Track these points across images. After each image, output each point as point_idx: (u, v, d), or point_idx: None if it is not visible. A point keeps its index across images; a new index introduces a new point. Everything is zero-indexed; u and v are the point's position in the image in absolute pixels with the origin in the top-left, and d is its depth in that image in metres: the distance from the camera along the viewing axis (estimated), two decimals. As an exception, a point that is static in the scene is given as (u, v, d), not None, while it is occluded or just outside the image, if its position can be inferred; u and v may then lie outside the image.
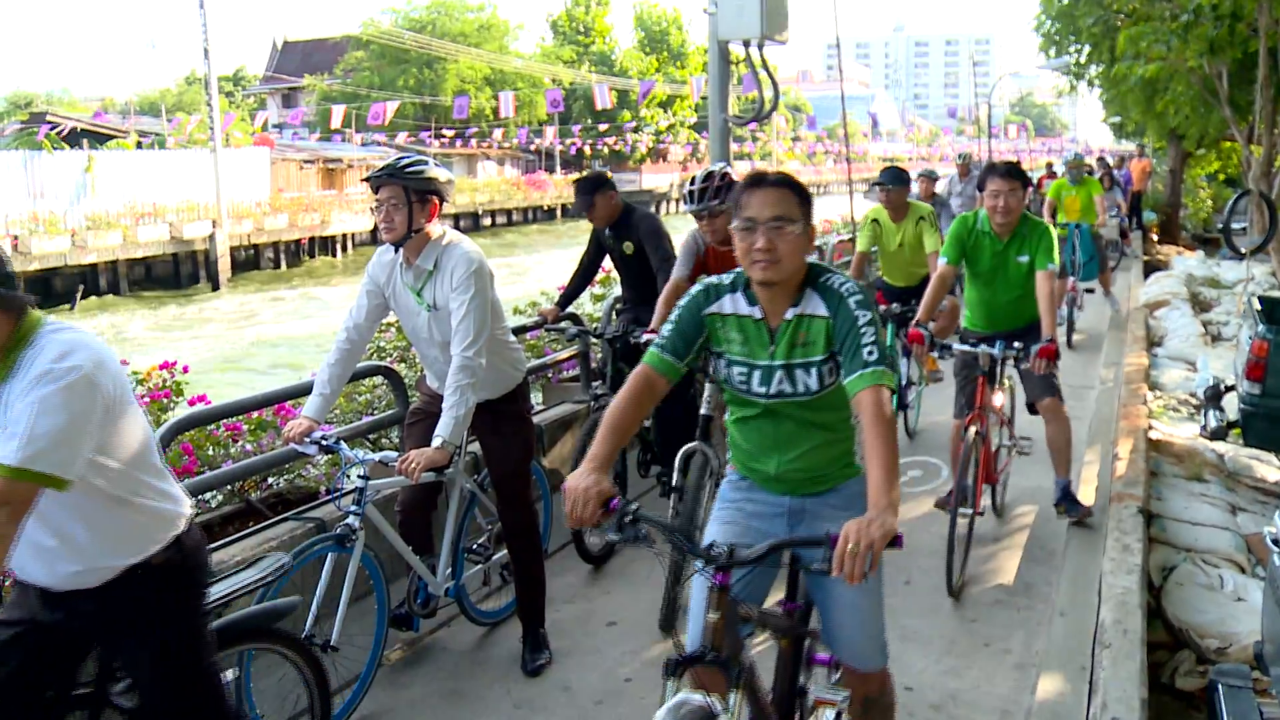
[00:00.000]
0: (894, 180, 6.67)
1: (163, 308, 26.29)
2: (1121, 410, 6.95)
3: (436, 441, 3.42)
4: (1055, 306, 4.71)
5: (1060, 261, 8.55)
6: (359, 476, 3.47)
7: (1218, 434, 6.85)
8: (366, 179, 3.57)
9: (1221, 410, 7.02)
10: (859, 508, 2.28)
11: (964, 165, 13.47)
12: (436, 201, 3.58)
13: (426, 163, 3.58)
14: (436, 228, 3.63)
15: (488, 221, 46.07)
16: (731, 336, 2.52)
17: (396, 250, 3.60)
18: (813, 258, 2.58)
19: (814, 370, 2.46)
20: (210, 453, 4.50)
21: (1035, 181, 16.11)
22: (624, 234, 5.43)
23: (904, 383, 6.75)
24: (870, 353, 2.33)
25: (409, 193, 3.50)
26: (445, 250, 3.61)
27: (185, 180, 30.59)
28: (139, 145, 34.68)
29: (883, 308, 6.23)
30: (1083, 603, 4.24)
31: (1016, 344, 4.73)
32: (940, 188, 13.31)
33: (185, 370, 4.76)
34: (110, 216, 27.49)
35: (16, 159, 27.47)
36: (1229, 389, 7.17)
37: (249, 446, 4.70)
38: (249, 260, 31.83)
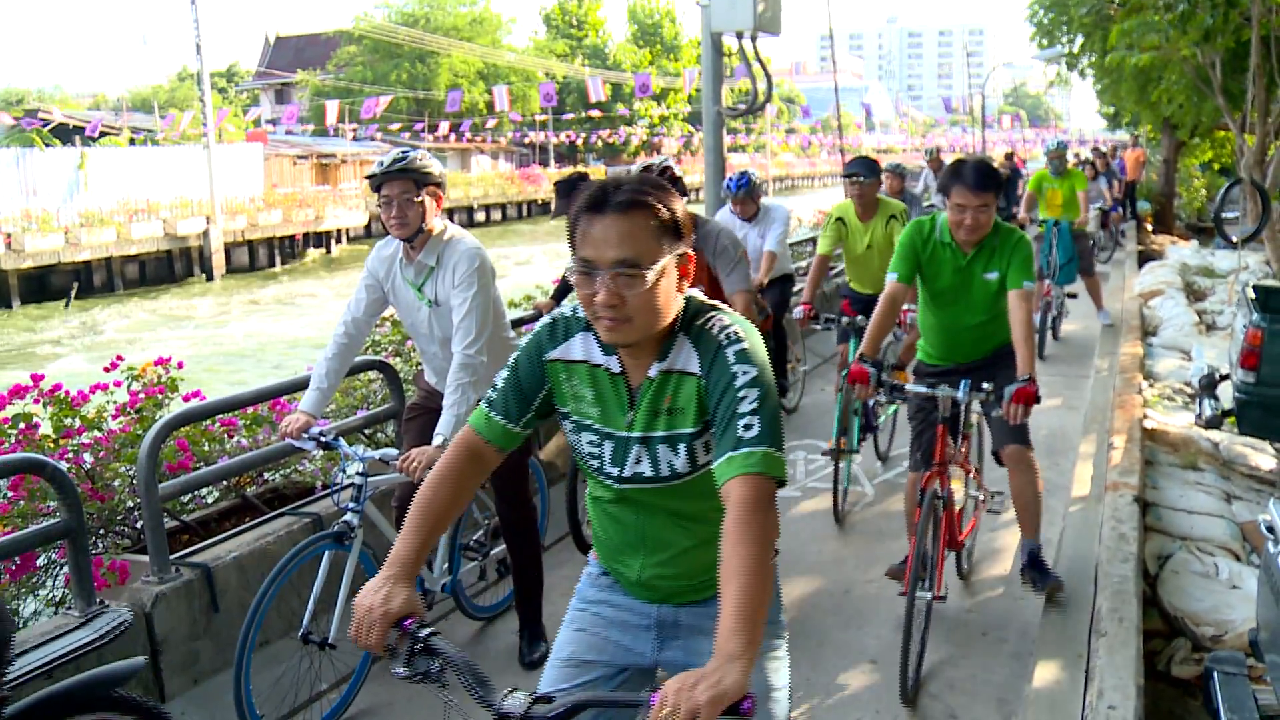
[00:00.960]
0: (866, 171, 5.83)
1: (157, 304, 26.23)
2: (1117, 399, 6.96)
3: (438, 440, 3.40)
4: (1033, 333, 3.80)
5: (1036, 263, 8.06)
6: (357, 473, 3.45)
7: (1213, 422, 6.86)
8: (370, 175, 3.50)
9: (1216, 399, 7.03)
10: None
11: (935, 159, 12.85)
12: (440, 195, 3.55)
13: (428, 156, 3.55)
14: (438, 222, 3.60)
15: (481, 216, 45.98)
16: (580, 392, 1.93)
17: (409, 243, 3.55)
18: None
19: (681, 447, 1.86)
20: (206, 448, 4.49)
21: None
22: None
23: (871, 403, 5.80)
24: (748, 426, 1.72)
25: (420, 187, 3.46)
26: (447, 245, 3.58)
27: (179, 176, 30.51)
28: (132, 142, 34.56)
29: (846, 318, 5.61)
30: (1079, 591, 4.25)
31: (985, 385, 3.69)
32: (915, 184, 13.17)
33: (180, 366, 4.74)
34: (104, 213, 27.40)
35: (9, 156, 27.36)
36: (1224, 378, 7.18)
37: (244, 442, 4.69)
38: (243, 256, 31.76)
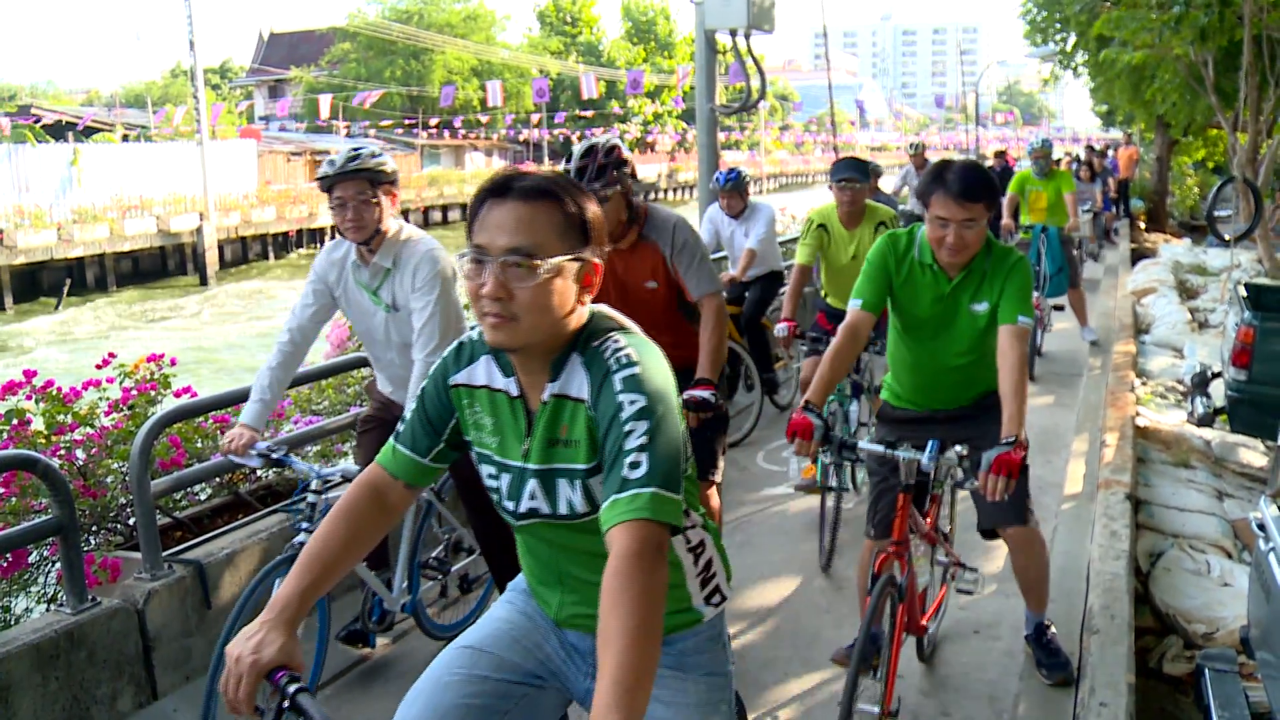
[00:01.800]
0: (859, 174, 5.21)
1: (150, 300, 26.15)
2: (1109, 397, 6.98)
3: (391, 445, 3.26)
4: (1025, 380, 3.07)
5: (1031, 277, 7.84)
6: (312, 491, 3.22)
7: (1205, 420, 6.90)
8: (322, 177, 3.28)
9: (1208, 397, 7.06)
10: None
11: (919, 155, 11.90)
12: (395, 193, 3.37)
13: (381, 153, 3.37)
14: (394, 223, 3.40)
15: (476, 213, 45.83)
16: (481, 420, 1.78)
17: (365, 245, 3.36)
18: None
19: (578, 484, 1.69)
20: (199, 445, 4.48)
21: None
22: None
23: (853, 428, 5.22)
24: (634, 465, 1.51)
25: (375, 186, 3.28)
26: (404, 246, 3.39)
27: (172, 173, 30.42)
28: (125, 138, 34.46)
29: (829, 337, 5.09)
30: (1071, 589, 4.26)
31: (959, 446, 2.87)
32: (889, 184, 12.20)
33: (173, 363, 4.73)
34: (96, 210, 27.31)
35: (1, 152, 27.26)
36: (1216, 375, 7.21)
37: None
38: (236, 253, 31.69)
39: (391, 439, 1.84)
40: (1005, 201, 8.92)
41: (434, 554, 4.02)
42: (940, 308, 3.23)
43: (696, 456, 3.66)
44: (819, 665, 3.80)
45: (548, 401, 1.68)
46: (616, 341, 1.66)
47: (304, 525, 3.18)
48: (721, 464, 3.74)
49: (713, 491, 3.69)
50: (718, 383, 3.47)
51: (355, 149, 3.30)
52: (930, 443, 2.87)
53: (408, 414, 1.83)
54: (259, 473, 4.83)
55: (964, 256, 3.13)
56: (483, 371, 1.77)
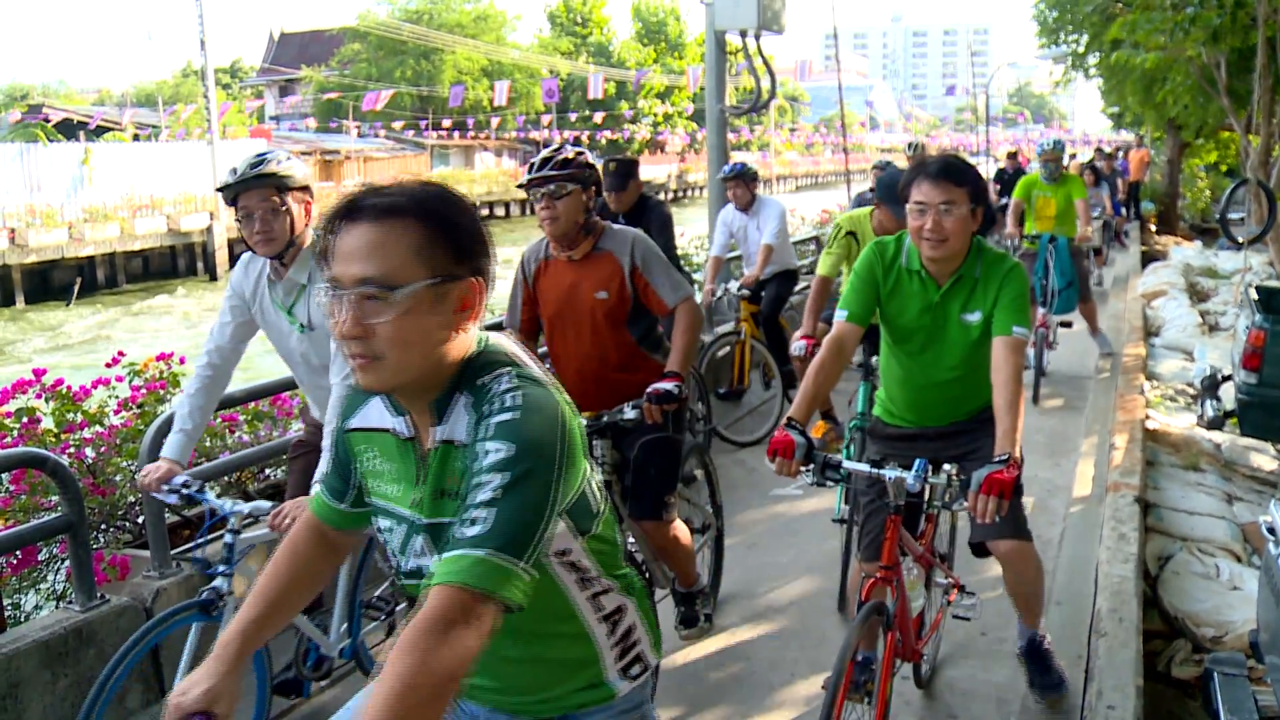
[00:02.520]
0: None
1: (160, 299, 26.25)
2: (1118, 400, 6.96)
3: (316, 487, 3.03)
4: (1020, 395, 2.84)
5: (1028, 284, 7.54)
6: (229, 530, 2.93)
7: (1215, 423, 6.86)
8: (223, 187, 2.98)
9: (1218, 400, 7.03)
10: None
11: (917, 157, 11.92)
12: (310, 201, 3.08)
13: (290, 157, 3.06)
14: (310, 234, 3.10)
15: (485, 212, 46.00)
16: (379, 468, 1.60)
17: (278, 259, 3.06)
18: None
19: None
20: (208, 444, 4.50)
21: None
22: (635, 222, 5.08)
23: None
24: (471, 522, 1.32)
25: (283, 193, 2.98)
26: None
27: (182, 172, 30.53)
28: (135, 137, 34.60)
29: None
30: (1079, 591, 4.25)
31: (948, 466, 2.70)
32: None
33: (182, 361, 4.74)
34: (107, 209, 27.44)
35: (13, 151, 27.41)
36: (1226, 379, 7.18)
37: (246, 437, 4.70)
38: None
39: (315, 480, 1.75)
40: (1010, 208, 8.25)
41: (378, 592, 3.73)
42: (930, 318, 3.04)
43: (640, 494, 3.52)
44: (826, 667, 3.79)
45: (435, 447, 1.49)
46: (504, 380, 1.44)
47: (220, 569, 2.86)
48: (674, 500, 3.58)
49: (676, 526, 3.59)
50: (685, 380, 3.45)
51: (261, 154, 3.00)
52: (918, 462, 2.67)
53: (325, 454, 1.74)
54: (267, 470, 4.85)
55: (945, 249, 2.92)
56: (376, 412, 1.58)
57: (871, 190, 8.69)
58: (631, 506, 3.54)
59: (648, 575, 3.74)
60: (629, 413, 3.34)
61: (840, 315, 3.06)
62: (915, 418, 3.21)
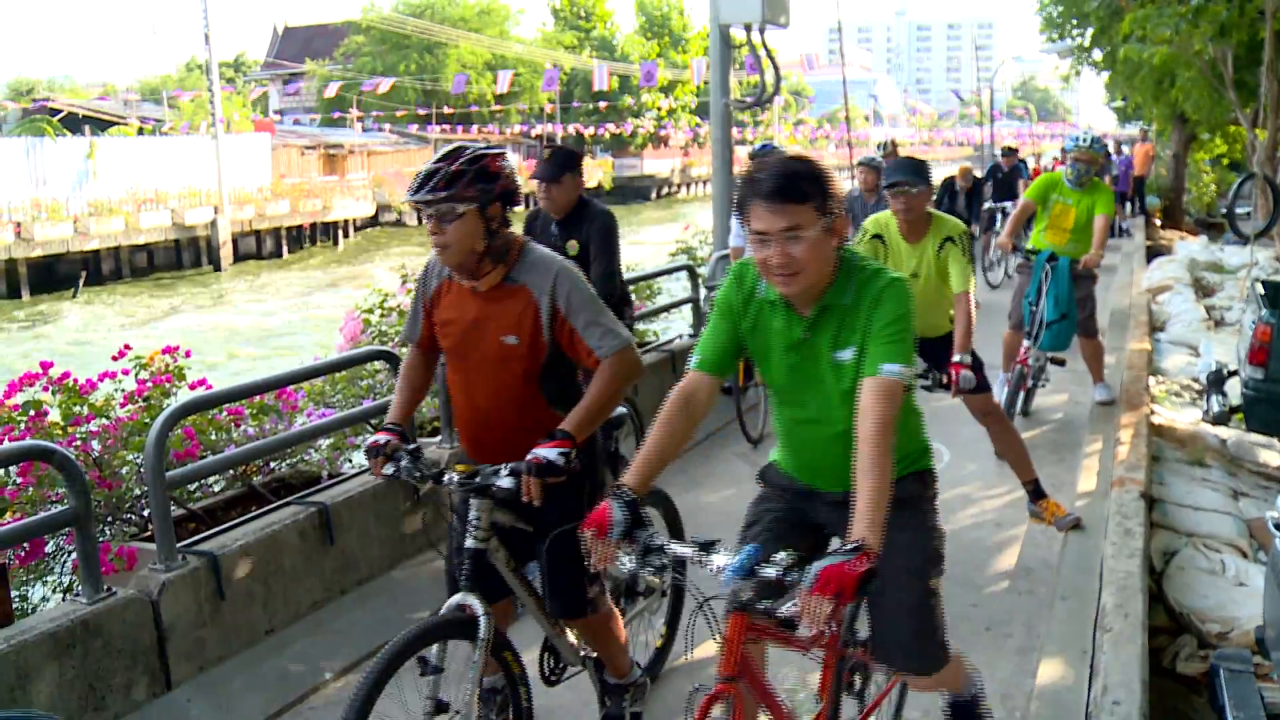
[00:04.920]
0: (913, 176, 4.50)
1: (164, 293, 26.28)
2: (1124, 395, 6.94)
3: None
4: (888, 459, 2.20)
5: (1017, 314, 6.61)
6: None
7: (1220, 419, 6.86)
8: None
9: (1224, 395, 7.02)
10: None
11: (891, 154, 10.50)
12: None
13: None
14: None
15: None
16: None
17: None
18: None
19: None
20: (213, 437, 4.50)
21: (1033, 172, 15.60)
22: (573, 229, 4.54)
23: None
24: None
25: None
26: None
27: (187, 166, 30.55)
28: (140, 131, 34.64)
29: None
30: (1084, 587, 4.24)
31: (781, 555, 2.09)
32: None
33: (188, 355, 4.76)
34: (112, 203, 27.49)
35: (19, 145, 27.46)
36: (1231, 374, 7.17)
37: (251, 431, 4.70)
38: (250, 246, 31.82)
39: None
40: (1015, 210, 6.90)
41: None
42: (798, 358, 2.42)
43: (558, 593, 2.89)
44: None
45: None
46: None
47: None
48: (600, 588, 2.99)
49: (606, 616, 3.03)
50: (581, 447, 2.69)
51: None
52: (747, 549, 2.09)
53: None
54: (272, 464, 4.86)
55: (801, 283, 2.29)
56: None
57: (863, 190, 8.65)
58: (550, 605, 2.96)
59: (547, 654, 3.18)
60: (504, 481, 2.61)
61: (691, 363, 2.49)
62: (806, 476, 2.63)
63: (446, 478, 2.73)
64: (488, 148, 2.79)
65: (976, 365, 4.70)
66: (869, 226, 4.83)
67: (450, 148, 2.77)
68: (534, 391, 2.83)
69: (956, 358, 4.40)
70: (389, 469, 2.77)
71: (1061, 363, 6.69)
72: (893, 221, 4.69)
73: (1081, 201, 6.48)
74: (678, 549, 2.20)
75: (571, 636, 3.11)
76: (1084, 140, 6.54)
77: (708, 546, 2.16)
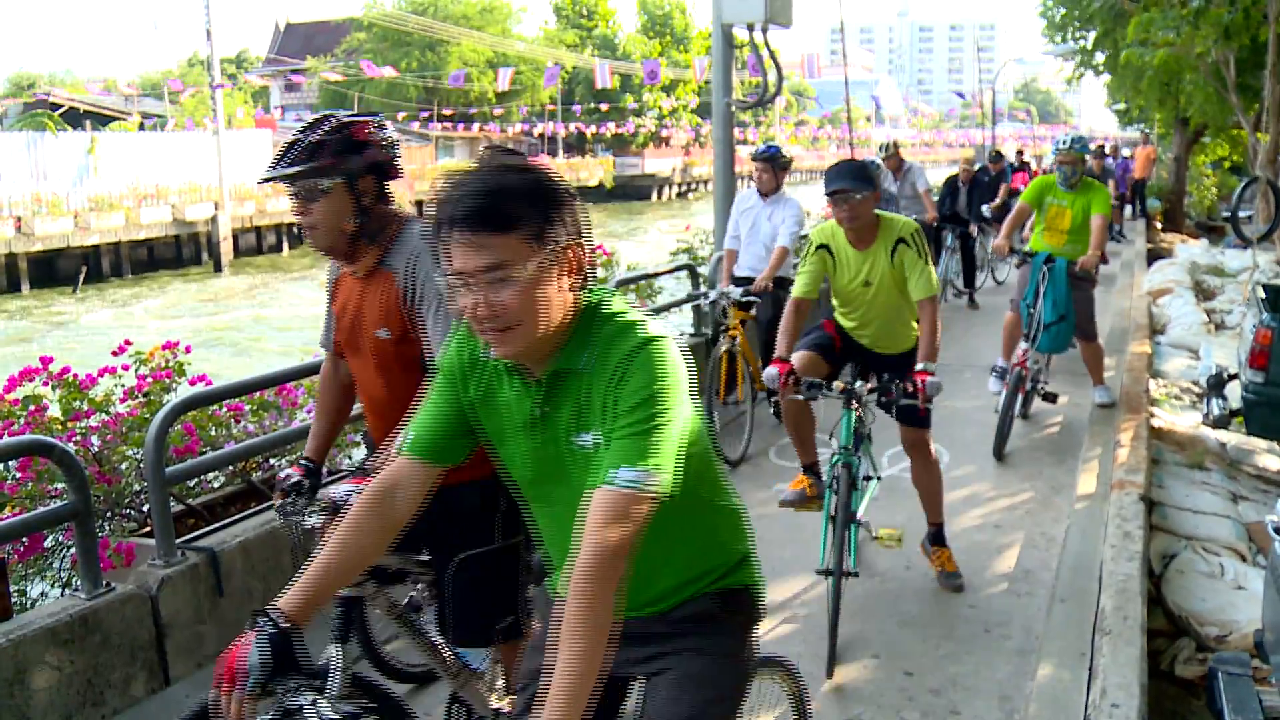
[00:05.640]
0: (855, 182, 4.04)
1: (165, 288, 26.28)
2: (1124, 398, 6.94)
3: None
4: (608, 607, 1.61)
5: (1015, 311, 6.70)
6: None
7: (1220, 422, 6.85)
8: None
9: (1224, 398, 7.02)
10: None
11: (893, 157, 9.99)
12: None
13: None
14: None
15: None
16: None
17: None
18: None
19: None
20: (213, 433, 4.50)
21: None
22: None
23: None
24: None
25: None
26: None
27: (188, 162, 30.55)
28: (141, 127, 34.64)
29: (852, 382, 4.05)
30: (1083, 589, 4.24)
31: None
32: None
33: (188, 350, 4.75)
34: (113, 198, 27.48)
35: (20, 140, 27.46)
36: (1232, 377, 7.16)
37: (251, 427, 4.70)
38: (251, 242, 31.82)
39: None
40: (1011, 214, 6.91)
41: None
42: (538, 440, 1.79)
43: (462, 622, 2.56)
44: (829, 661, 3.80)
45: None
46: None
47: None
48: (510, 623, 2.64)
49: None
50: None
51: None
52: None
53: None
54: (271, 461, 4.85)
55: (516, 344, 1.68)
56: None
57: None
58: (454, 634, 2.60)
59: (456, 705, 2.77)
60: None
61: (401, 440, 1.88)
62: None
63: (311, 522, 2.44)
64: (358, 114, 2.49)
65: (926, 419, 4.36)
66: (813, 238, 4.32)
67: (314, 116, 2.50)
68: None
69: (921, 365, 3.93)
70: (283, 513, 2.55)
71: (1051, 397, 6.75)
72: (839, 230, 4.21)
73: (1076, 202, 6.57)
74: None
75: (490, 682, 2.73)
76: (1064, 143, 6.64)
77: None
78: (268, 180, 2.47)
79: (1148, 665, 3.56)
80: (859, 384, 4.02)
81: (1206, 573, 4.63)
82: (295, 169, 2.40)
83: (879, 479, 4.59)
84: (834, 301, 4.51)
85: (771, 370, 3.95)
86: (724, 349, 6.20)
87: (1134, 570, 4.13)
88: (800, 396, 4.00)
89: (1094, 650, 3.65)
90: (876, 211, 4.18)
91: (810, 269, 4.28)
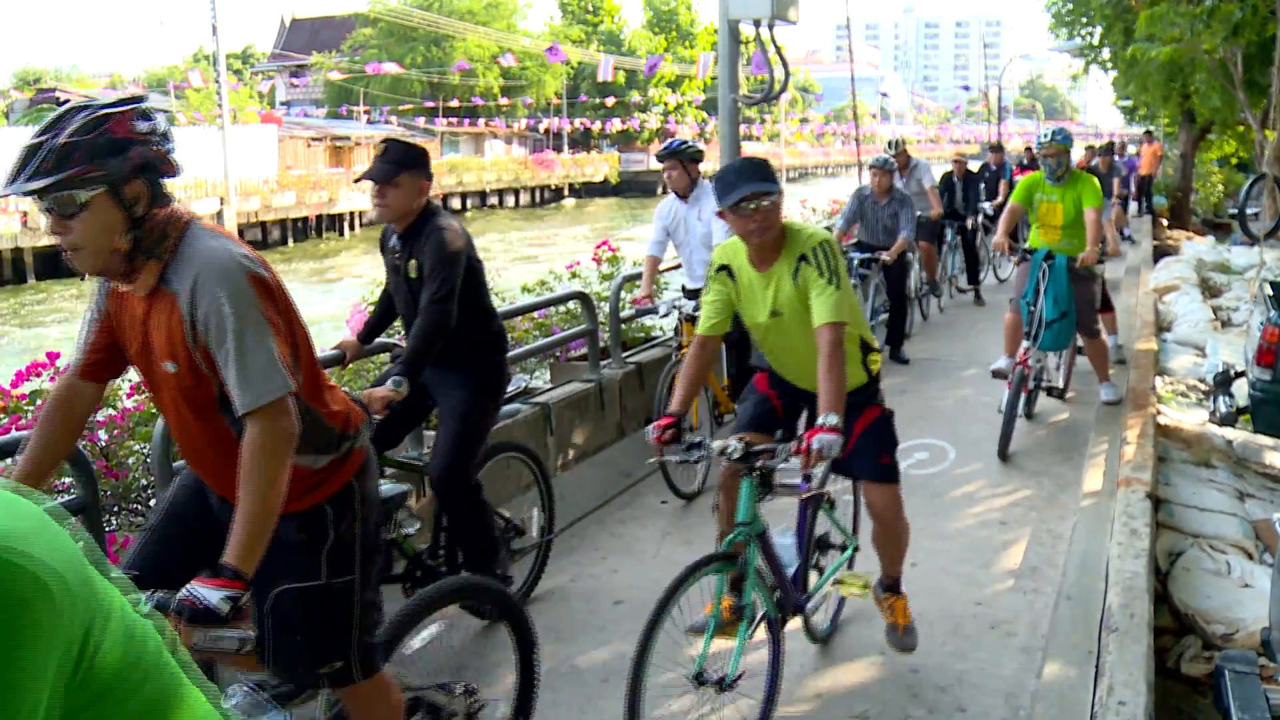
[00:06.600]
0: (765, 182, 3.15)
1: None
2: (1130, 395, 6.92)
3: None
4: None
5: (1015, 311, 6.52)
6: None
7: (1227, 420, 6.84)
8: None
9: (1231, 396, 7.00)
10: None
11: (901, 154, 9.82)
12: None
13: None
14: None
15: (495, 201, 45.96)
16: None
17: None
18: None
19: None
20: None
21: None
22: (414, 246, 3.67)
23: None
24: None
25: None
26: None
27: (193, 157, 30.43)
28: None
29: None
30: (1089, 587, 4.24)
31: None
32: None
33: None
34: (118, 193, 27.52)
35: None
36: (1239, 375, 7.15)
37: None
38: (256, 237, 31.87)
39: None
40: (1004, 213, 6.85)
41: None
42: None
43: (288, 665, 2.36)
44: (835, 658, 3.80)
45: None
46: None
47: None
48: (342, 666, 2.37)
49: (372, 688, 2.43)
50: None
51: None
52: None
53: None
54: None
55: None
56: None
57: (876, 191, 8.54)
58: (271, 670, 2.41)
59: None
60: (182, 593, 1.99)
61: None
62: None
63: None
64: (111, 103, 2.03)
65: (883, 441, 3.49)
66: (715, 258, 3.44)
67: (55, 113, 2.02)
68: (219, 425, 2.16)
69: (821, 418, 2.98)
70: None
71: (1060, 394, 6.83)
72: (742, 247, 3.32)
73: (1066, 195, 6.46)
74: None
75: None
76: (1045, 137, 6.58)
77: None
78: (8, 195, 2.02)
79: (1154, 663, 3.55)
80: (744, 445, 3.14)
81: (1213, 570, 4.62)
82: (42, 182, 1.93)
83: (856, 547, 3.84)
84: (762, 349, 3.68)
85: (650, 430, 3.17)
86: (678, 368, 5.50)
87: (1140, 568, 4.12)
88: (675, 459, 3.16)
89: (1100, 648, 3.65)
90: (784, 221, 3.29)
91: (713, 298, 3.40)
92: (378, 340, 4.29)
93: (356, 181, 3.64)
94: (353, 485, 2.34)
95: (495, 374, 3.90)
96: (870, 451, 3.44)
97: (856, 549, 3.85)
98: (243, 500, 2.03)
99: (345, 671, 2.35)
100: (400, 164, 3.59)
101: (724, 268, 3.40)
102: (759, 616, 3.20)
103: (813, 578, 3.69)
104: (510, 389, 4.12)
